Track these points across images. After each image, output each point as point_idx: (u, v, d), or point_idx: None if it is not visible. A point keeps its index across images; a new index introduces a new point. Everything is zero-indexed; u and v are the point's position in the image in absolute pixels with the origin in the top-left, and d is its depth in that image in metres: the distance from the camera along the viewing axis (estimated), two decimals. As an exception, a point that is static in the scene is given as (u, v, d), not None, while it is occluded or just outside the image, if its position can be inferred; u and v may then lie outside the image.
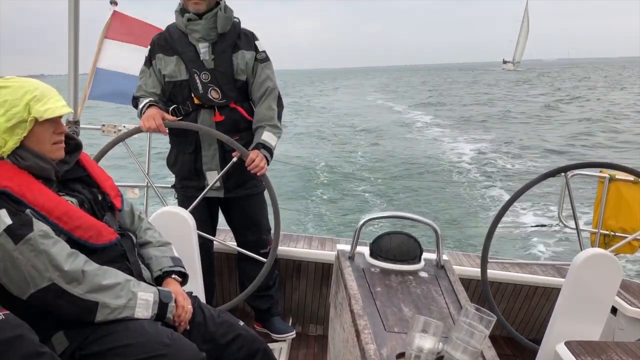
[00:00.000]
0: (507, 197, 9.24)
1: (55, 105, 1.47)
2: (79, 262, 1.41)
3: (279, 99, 2.51)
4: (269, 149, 2.37)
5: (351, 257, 1.92)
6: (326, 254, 2.89)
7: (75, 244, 1.45)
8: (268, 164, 2.34)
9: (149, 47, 2.47)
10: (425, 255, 1.96)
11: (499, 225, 2.31)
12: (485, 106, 30.14)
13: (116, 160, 2.44)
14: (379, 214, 2.06)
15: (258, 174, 2.29)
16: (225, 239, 2.84)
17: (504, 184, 10.82)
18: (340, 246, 2.06)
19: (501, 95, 38.60)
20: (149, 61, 2.44)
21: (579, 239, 2.27)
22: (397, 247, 1.90)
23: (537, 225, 6.79)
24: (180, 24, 2.38)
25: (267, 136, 2.39)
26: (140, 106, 2.36)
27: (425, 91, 49.50)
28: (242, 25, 2.47)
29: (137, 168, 2.54)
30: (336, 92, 53.67)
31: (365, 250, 1.96)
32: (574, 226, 2.34)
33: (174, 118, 2.35)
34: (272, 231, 2.53)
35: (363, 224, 1.93)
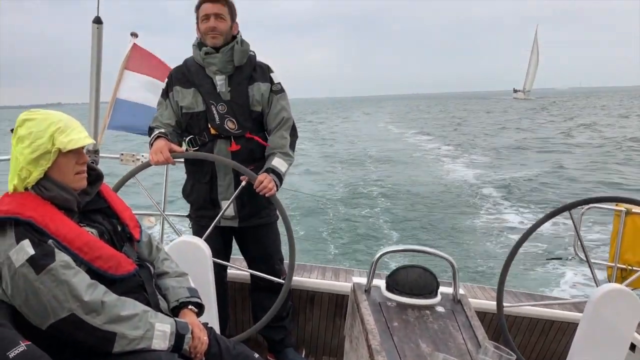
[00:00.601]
0: (523, 227, 9.15)
1: (79, 136, 1.52)
2: (98, 292, 1.42)
3: (293, 128, 2.56)
4: (278, 174, 2.39)
5: (367, 291, 1.92)
6: (340, 285, 2.87)
7: (95, 274, 1.47)
8: (277, 189, 2.36)
9: (166, 79, 2.54)
10: (441, 289, 1.95)
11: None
12: (500, 134, 30.04)
13: (134, 186, 2.48)
14: (395, 247, 2.06)
15: (267, 194, 2.29)
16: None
17: (521, 214, 10.67)
18: (356, 279, 2.05)
19: (515, 123, 38.50)
20: (165, 93, 2.51)
21: (593, 275, 2.23)
22: (413, 281, 1.89)
23: (553, 258, 6.68)
24: (197, 57, 2.44)
25: (277, 162, 2.42)
26: (150, 138, 2.41)
27: (439, 119, 49.67)
28: (258, 57, 2.54)
29: (154, 196, 2.57)
30: (348, 120, 54.03)
31: (381, 283, 1.95)
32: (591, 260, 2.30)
33: (181, 149, 2.38)
34: (286, 260, 2.53)
35: (379, 258, 1.93)
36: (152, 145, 2.35)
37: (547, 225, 2.26)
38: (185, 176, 2.63)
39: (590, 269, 2.26)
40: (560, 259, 6.51)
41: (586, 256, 2.27)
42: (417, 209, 11.40)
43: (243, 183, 2.31)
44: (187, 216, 2.70)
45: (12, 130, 1.53)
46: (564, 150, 21.81)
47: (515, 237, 8.54)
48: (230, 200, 2.37)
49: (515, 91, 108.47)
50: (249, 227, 2.55)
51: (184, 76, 2.47)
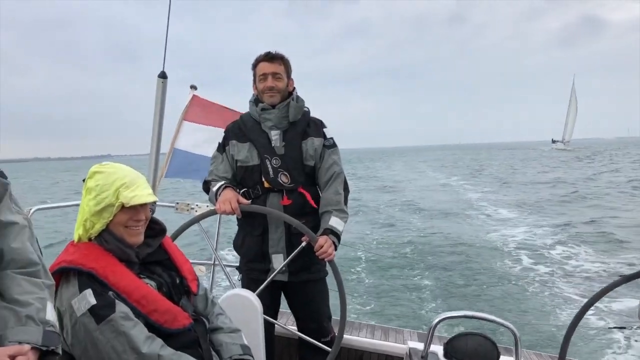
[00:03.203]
0: (584, 293, 8.59)
1: (142, 192, 1.55)
2: (155, 346, 1.41)
3: (345, 183, 2.55)
4: (336, 235, 2.36)
5: (424, 357, 1.82)
6: (391, 346, 2.75)
7: (151, 327, 1.47)
8: (336, 250, 2.33)
9: (223, 134, 2.60)
10: (502, 358, 1.83)
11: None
12: (549, 186, 28.93)
13: (181, 237, 2.50)
14: (454, 313, 1.95)
15: (327, 259, 2.28)
16: (286, 322, 2.78)
17: (582, 279, 10.02)
18: (412, 343, 1.96)
19: (561, 175, 37.04)
20: (222, 147, 2.57)
21: None
22: (473, 349, 1.78)
23: (616, 327, 6.20)
24: (254, 113, 2.51)
25: (334, 221, 2.39)
26: (214, 189, 2.44)
27: (480, 169, 48.72)
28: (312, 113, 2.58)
29: (202, 245, 2.59)
30: (389, 169, 53.87)
31: (438, 349, 1.85)
32: None
33: (247, 202, 2.40)
34: (335, 318, 2.45)
35: (437, 323, 1.84)
36: (218, 195, 2.38)
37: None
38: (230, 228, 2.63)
39: None
40: (624, 328, 6.05)
41: None
42: (461, 268, 10.99)
43: (303, 244, 2.30)
44: (237, 267, 2.69)
45: (84, 180, 1.59)
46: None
47: (572, 302, 8.07)
48: (288, 259, 2.35)
49: (553, 141, 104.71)
50: (298, 282, 2.51)
51: (240, 131, 2.53)
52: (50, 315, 1.20)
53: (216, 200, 2.38)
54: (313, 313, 2.55)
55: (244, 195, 2.45)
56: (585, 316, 1.98)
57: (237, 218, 2.52)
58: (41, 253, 1.29)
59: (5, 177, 1.29)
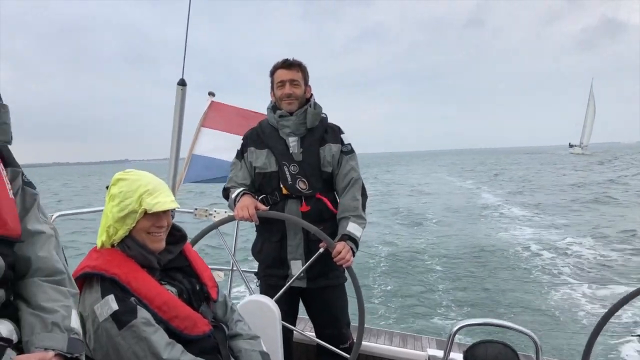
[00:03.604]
0: (607, 299, 8.40)
1: (165, 199, 1.58)
2: (176, 351, 1.43)
3: (363, 188, 2.54)
4: (354, 241, 2.36)
5: None
6: (410, 353, 2.73)
7: (172, 333, 1.48)
8: (354, 255, 2.32)
9: (241, 141, 2.62)
10: None
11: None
12: (573, 189, 28.41)
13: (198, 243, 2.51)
14: (474, 320, 1.92)
15: (344, 265, 2.28)
16: (304, 328, 2.78)
17: (604, 284, 9.74)
18: (431, 351, 1.95)
19: (581, 179, 36.31)
20: (240, 154, 2.58)
21: None
22: (494, 358, 1.77)
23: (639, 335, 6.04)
24: (272, 120, 2.52)
25: (352, 227, 2.39)
26: (233, 195, 2.46)
27: (500, 173, 48.13)
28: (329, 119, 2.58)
29: (219, 251, 2.61)
30: (408, 174, 53.57)
31: (458, 357, 1.84)
32: None
33: (266, 208, 2.41)
34: (353, 324, 2.44)
35: (457, 331, 1.83)
36: (236, 201, 2.40)
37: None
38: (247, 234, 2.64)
39: None
40: None
41: None
42: (479, 270, 10.85)
43: (321, 250, 2.30)
44: (255, 274, 2.70)
45: (107, 187, 1.62)
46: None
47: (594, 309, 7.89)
48: (305, 265, 2.36)
49: (571, 146, 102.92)
50: (316, 289, 2.50)
51: (258, 137, 2.55)
52: (75, 323, 1.22)
53: (234, 206, 2.40)
54: (331, 319, 2.55)
55: (262, 201, 2.46)
56: (607, 323, 1.94)
57: (255, 224, 2.54)
58: (66, 261, 1.32)
59: (34, 188, 1.32)
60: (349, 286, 2.45)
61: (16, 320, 1.18)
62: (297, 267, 2.42)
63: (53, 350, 1.14)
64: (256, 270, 2.67)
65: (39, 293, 1.21)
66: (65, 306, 1.22)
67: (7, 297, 1.19)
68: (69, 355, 1.16)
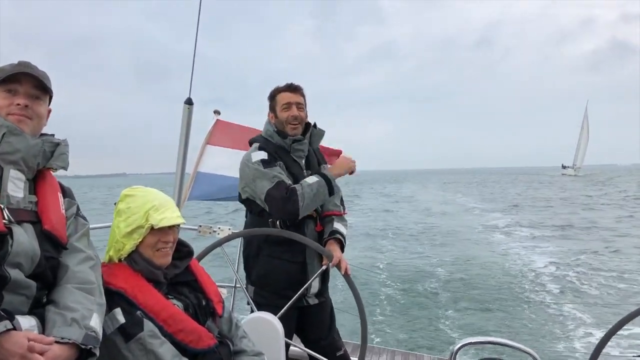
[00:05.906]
0: (607, 319, 8.31)
1: (171, 215, 1.61)
2: None
3: (341, 198, 2.63)
4: (342, 234, 2.45)
5: None
6: None
7: (177, 346, 1.50)
8: (342, 251, 2.42)
9: (263, 153, 2.45)
10: None
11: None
12: (573, 212, 28.23)
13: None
14: (476, 338, 1.93)
15: (348, 271, 2.33)
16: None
17: (605, 304, 9.67)
18: None
19: (581, 202, 36.06)
20: (274, 160, 2.41)
21: None
22: None
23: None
24: (280, 143, 2.45)
25: (337, 226, 2.49)
26: (311, 180, 2.36)
27: (495, 193, 47.98)
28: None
29: (221, 267, 2.62)
30: (404, 190, 53.47)
31: None
32: None
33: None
34: (355, 343, 2.45)
35: (459, 349, 1.84)
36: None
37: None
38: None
39: None
40: None
41: None
42: (477, 290, 10.75)
43: (324, 267, 2.34)
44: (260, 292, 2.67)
45: (115, 204, 1.65)
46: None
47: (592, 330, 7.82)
48: (312, 279, 2.36)
49: (564, 167, 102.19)
50: (310, 305, 2.50)
51: (280, 158, 2.45)
52: (95, 323, 1.27)
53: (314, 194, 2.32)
54: (326, 330, 2.59)
55: (283, 222, 2.40)
56: (609, 342, 1.95)
57: (271, 246, 2.42)
58: (102, 280, 1.44)
59: (86, 220, 1.51)
60: (350, 300, 2.46)
61: (44, 320, 1.26)
62: (315, 287, 2.45)
63: (69, 339, 1.20)
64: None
65: (67, 295, 1.29)
66: (88, 309, 1.28)
67: (40, 297, 1.29)
68: (83, 346, 1.21)
